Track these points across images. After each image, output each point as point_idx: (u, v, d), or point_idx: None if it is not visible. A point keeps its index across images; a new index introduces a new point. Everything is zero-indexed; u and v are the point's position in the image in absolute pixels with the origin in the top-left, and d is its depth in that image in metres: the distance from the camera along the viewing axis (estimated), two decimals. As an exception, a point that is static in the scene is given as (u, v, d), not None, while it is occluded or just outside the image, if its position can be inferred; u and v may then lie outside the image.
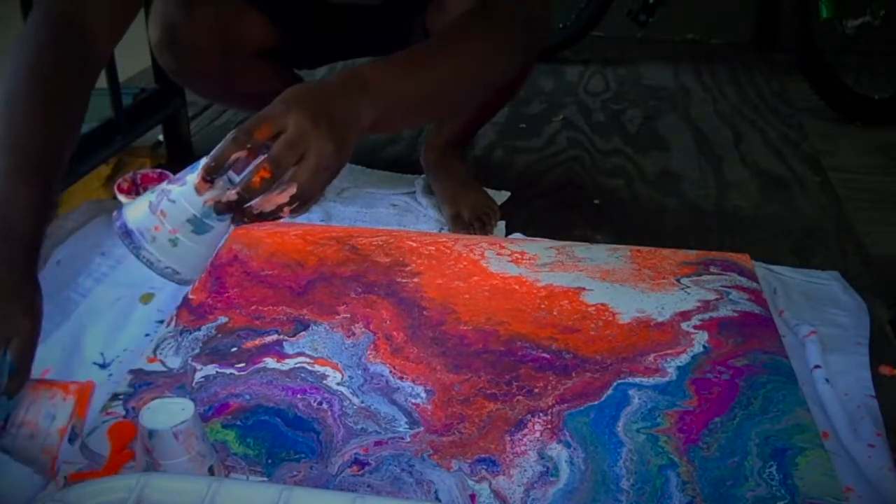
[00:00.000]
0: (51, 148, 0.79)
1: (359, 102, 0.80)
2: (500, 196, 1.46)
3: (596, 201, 1.50)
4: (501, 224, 1.36)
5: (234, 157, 0.73)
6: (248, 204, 0.74)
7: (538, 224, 1.37)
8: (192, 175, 0.74)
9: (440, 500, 0.79)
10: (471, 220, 1.33)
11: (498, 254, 1.22)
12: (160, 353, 0.99)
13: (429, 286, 1.13)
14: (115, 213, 0.76)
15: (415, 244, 1.24)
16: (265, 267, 1.17)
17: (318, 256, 1.20)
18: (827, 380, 0.96)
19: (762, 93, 2.15)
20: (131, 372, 0.96)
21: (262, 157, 0.73)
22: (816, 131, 1.88)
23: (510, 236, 1.32)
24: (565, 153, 1.72)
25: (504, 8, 0.95)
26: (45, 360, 0.97)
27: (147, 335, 1.04)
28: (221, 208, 0.73)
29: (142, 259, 0.75)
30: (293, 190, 0.74)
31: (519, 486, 0.81)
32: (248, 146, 0.73)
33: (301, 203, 0.75)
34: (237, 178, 0.74)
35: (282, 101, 0.76)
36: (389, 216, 1.39)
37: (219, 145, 0.73)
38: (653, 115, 1.97)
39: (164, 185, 0.76)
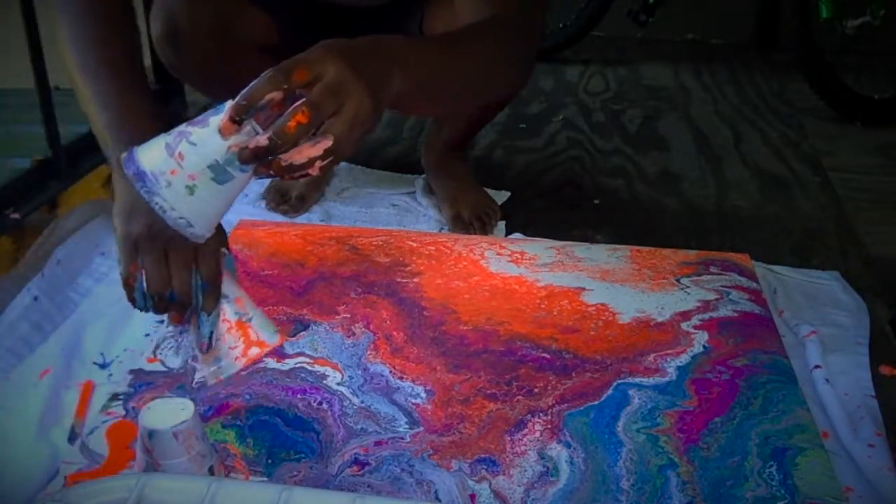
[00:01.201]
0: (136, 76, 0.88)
1: (391, 68, 0.76)
2: (500, 196, 1.46)
3: (596, 201, 1.50)
4: (501, 224, 1.36)
5: (267, 97, 0.67)
6: (277, 155, 0.67)
7: (538, 224, 1.37)
8: (217, 117, 0.67)
9: (440, 500, 0.79)
10: (471, 220, 1.33)
11: (498, 254, 1.22)
12: (160, 353, 0.99)
13: (429, 286, 1.13)
14: (124, 155, 0.69)
15: (415, 244, 1.24)
16: (265, 267, 1.17)
17: (318, 256, 1.20)
18: (827, 380, 0.96)
19: (762, 93, 2.15)
20: (131, 372, 0.96)
21: (297, 104, 0.66)
22: (816, 131, 1.88)
23: (510, 236, 1.32)
24: (565, 153, 1.72)
25: (515, 20, 0.94)
26: (46, 360, 0.97)
27: (147, 335, 1.04)
28: (247, 156, 0.67)
29: (154, 206, 0.68)
30: (328, 143, 0.68)
31: (519, 486, 0.81)
32: (285, 87, 0.67)
33: (334, 159, 0.69)
34: (260, 130, 0.67)
35: (322, 47, 0.71)
36: (389, 216, 1.39)
37: (251, 84, 0.67)
38: (653, 115, 1.98)
39: (183, 126, 0.68)
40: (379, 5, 1.17)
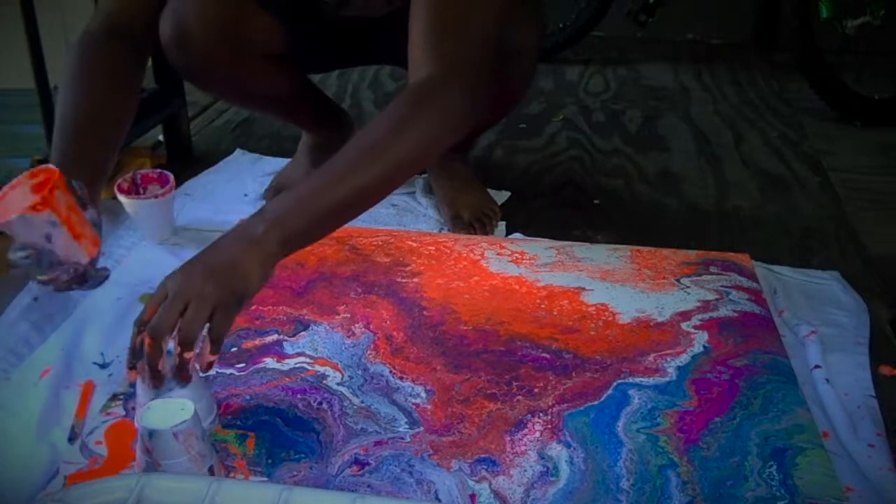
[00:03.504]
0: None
1: (256, 231, 0.82)
2: (501, 196, 1.46)
3: (596, 201, 1.50)
4: (501, 224, 1.36)
5: (138, 341, 0.77)
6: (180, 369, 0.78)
7: (538, 224, 1.37)
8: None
9: (440, 500, 0.79)
10: (471, 220, 1.33)
11: (498, 254, 1.22)
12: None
13: (429, 286, 1.13)
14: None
15: (415, 244, 1.24)
16: (265, 267, 1.17)
17: (318, 256, 1.20)
18: (827, 380, 0.96)
19: (762, 93, 2.15)
20: (131, 372, 0.96)
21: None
22: (816, 131, 1.88)
23: (510, 236, 1.32)
24: (565, 153, 1.72)
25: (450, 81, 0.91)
26: (46, 360, 0.97)
27: (147, 335, 1.04)
28: (156, 384, 0.78)
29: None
30: (207, 343, 0.78)
31: (519, 486, 0.81)
32: (142, 328, 0.77)
33: (214, 343, 0.78)
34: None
35: (163, 279, 0.80)
36: (389, 216, 1.39)
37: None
38: (653, 115, 1.97)
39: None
40: (381, 16, 1.17)
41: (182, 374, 0.78)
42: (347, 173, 0.86)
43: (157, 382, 0.78)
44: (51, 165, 0.87)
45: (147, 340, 0.76)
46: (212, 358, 0.78)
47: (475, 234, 1.31)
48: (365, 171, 0.86)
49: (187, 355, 0.77)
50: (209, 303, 0.77)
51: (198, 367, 0.80)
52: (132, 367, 0.79)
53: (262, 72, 1.28)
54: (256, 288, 0.82)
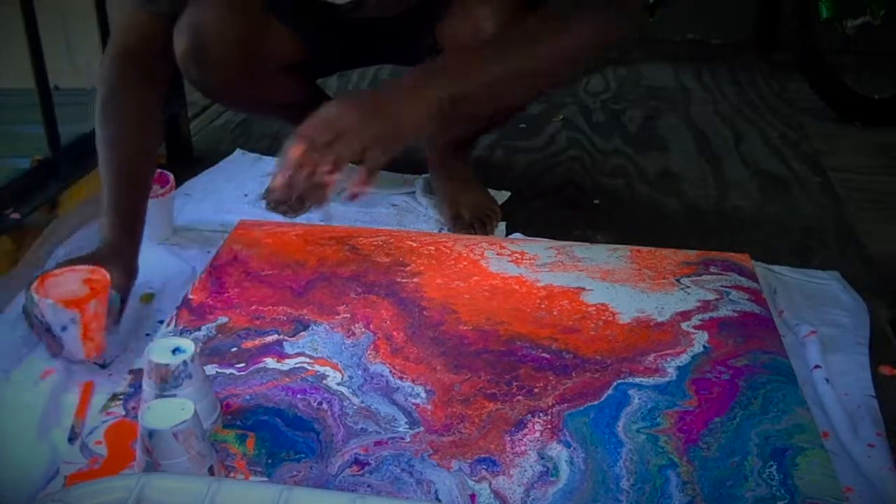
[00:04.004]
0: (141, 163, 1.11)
1: (426, 81, 0.87)
2: (501, 196, 1.46)
3: (596, 201, 1.50)
4: (501, 224, 1.36)
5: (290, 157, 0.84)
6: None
7: (538, 224, 1.37)
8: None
9: (440, 500, 0.79)
10: (471, 220, 1.33)
11: (498, 254, 1.22)
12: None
13: (429, 286, 1.13)
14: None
15: (415, 244, 1.24)
16: (265, 267, 1.17)
17: (318, 256, 1.20)
18: (827, 380, 0.96)
19: (762, 93, 2.15)
20: (131, 372, 0.96)
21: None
22: (816, 131, 1.88)
23: (510, 236, 1.32)
24: (565, 153, 1.72)
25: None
26: (46, 361, 0.97)
27: (147, 335, 1.04)
28: (296, 207, 0.90)
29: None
30: (350, 171, 0.82)
31: (519, 486, 0.81)
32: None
33: (368, 173, 0.83)
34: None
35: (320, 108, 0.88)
36: (389, 216, 1.39)
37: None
38: (653, 115, 1.97)
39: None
40: (391, 17, 1.18)
41: (318, 195, 0.82)
42: (516, 51, 0.95)
43: (298, 205, 0.87)
44: (105, 273, 0.97)
45: (297, 153, 0.80)
46: (362, 188, 0.82)
47: (475, 233, 1.31)
48: (531, 52, 0.96)
49: (329, 178, 0.80)
50: (361, 139, 0.82)
51: (345, 193, 0.84)
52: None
53: (276, 82, 1.29)
54: (414, 128, 0.87)
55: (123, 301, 1.01)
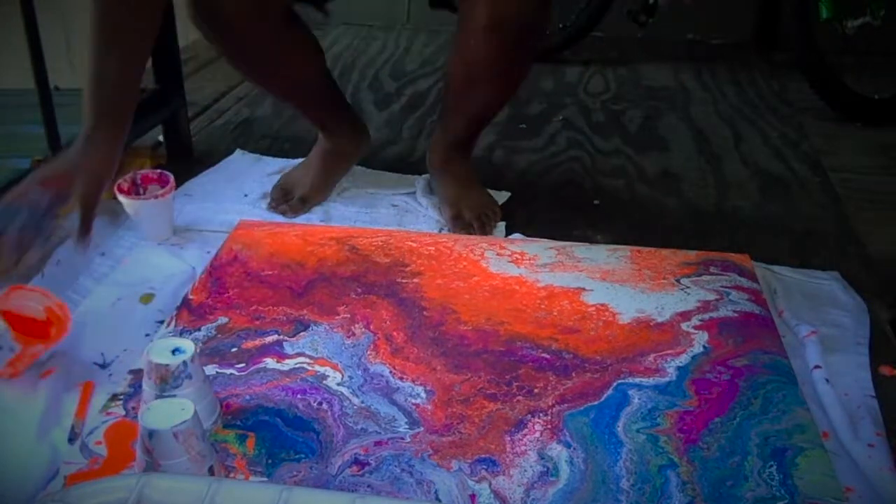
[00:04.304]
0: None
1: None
2: (500, 196, 1.46)
3: (596, 201, 1.50)
4: (501, 224, 1.36)
5: None
6: None
7: (538, 224, 1.37)
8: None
9: (440, 500, 0.79)
10: (471, 220, 1.33)
11: (498, 254, 1.22)
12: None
13: (429, 286, 1.13)
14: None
15: (415, 244, 1.24)
16: (265, 267, 1.17)
17: (318, 256, 1.20)
18: (827, 380, 0.96)
19: (762, 93, 2.15)
20: (131, 372, 0.96)
21: None
22: (816, 131, 1.88)
23: (510, 236, 1.32)
24: (565, 153, 1.72)
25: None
26: (46, 361, 0.97)
27: (147, 335, 1.04)
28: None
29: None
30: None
31: (519, 486, 0.81)
32: None
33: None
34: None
35: None
36: (389, 216, 1.39)
37: None
38: (653, 115, 1.97)
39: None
40: None
41: None
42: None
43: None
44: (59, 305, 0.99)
45: None
46: None
47: (475, 233, 1.31)
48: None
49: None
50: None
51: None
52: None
53: (287, 44, 1.30)
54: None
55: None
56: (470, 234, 1.31)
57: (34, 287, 0.99)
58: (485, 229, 1.32)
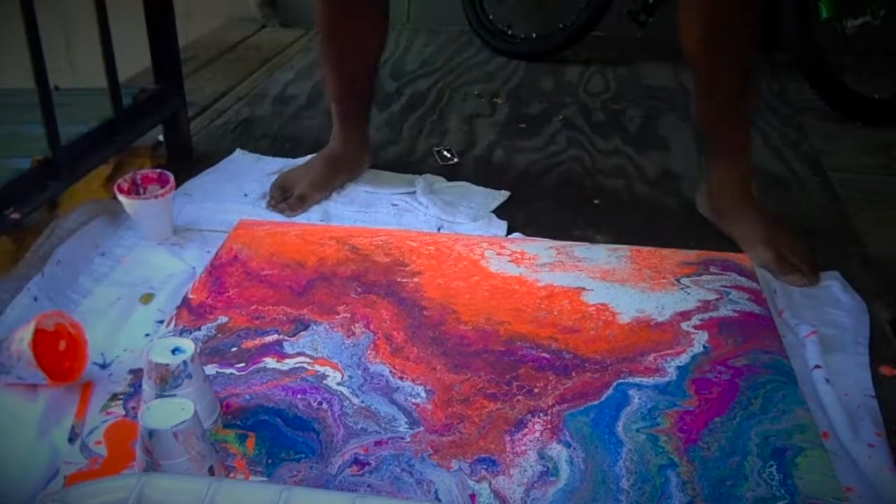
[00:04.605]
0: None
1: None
2: (500, 196, 1.46)
3: (596, 201, 1.50)
4: (502, 224, 1.36)
5: None
6: None
7: (538, 224, 1.37)
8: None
9: (440, 500, 0.79)
10: (795, 263, 1.21)
11: (498, 254, 1.22)
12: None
13: (429, 286, 1.13)
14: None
15: (415, 244, 1.24)
16: (265, 267, 1.17)
17: (318, 256, 1.20)
18: (827, 380, 0.96)
19: (762, 93, 2.14)
20: (131, 372, 0.96)
21: None
22: (816, 131, 1.88)
23: (510, 236, 1.32)
24: (565, 153, 1.72)
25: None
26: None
27: (147, 335, 1.04)
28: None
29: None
30: None
31: (519, 485, 0.81)
32: None
33: None
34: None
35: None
36: (389, 216, 1.39)
37: None
38: (653, 115, 1.97)
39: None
40: None
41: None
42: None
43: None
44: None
45: None
46: None
47: (804, 276, 1.19)
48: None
49: None
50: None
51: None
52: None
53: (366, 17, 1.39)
54: None
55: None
56: (795, 276, 1.20)
57: (51, 312, 0.97)
58: (815, 270, 1.21)
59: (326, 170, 1.44)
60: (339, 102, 1.47)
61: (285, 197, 1.39)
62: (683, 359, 0.99)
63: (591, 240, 1.33)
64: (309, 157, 1.53)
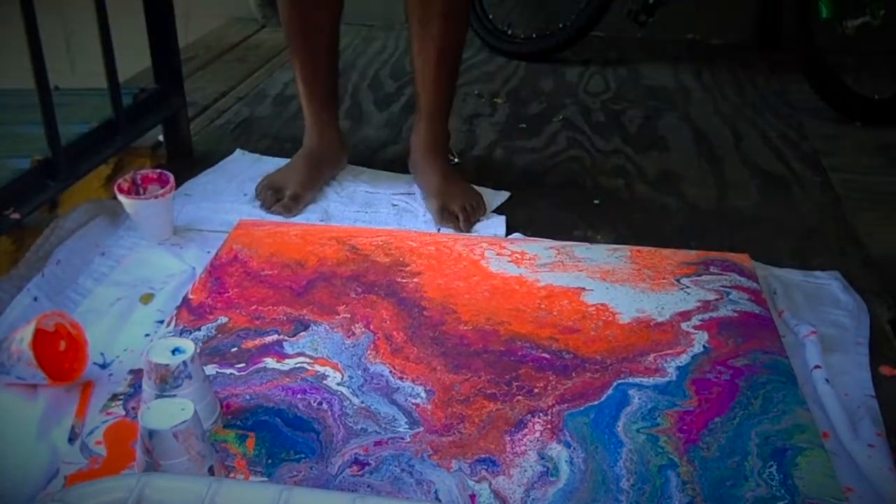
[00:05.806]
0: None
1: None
2: (500, 196, 1.46)
3: (596, 201, 1.50)
4: (502, 223, 1.36)
5: None
6: None
7: (538, 224, 1.37)
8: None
9: (440, 500, 0.79)
10: (456, 212, 1.35)
11: (498, 254, 1.22)
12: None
13: (429, 286, 1.13)
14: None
15: (415, 244, 1.24)
16: (265, 267, 1.17)
17: (318, 256, 1.20)
18: (827, 380, 0.96)
19: (762, 93, 2.15)
20: (131, 372, 0.96)
21: None
22: (816, 131, 1.88)
23: (510, 236, 1.32)
24: (565, 153, 1.72)
25: None
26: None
27: (147, 335, 1.04)
28: None
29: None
30: None
31: (519, 486, 0.81)
32: None
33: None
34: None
35: None
36: (389, 216, 1.39)
37: None
38: (653, 115, 1.97)
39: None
40: None
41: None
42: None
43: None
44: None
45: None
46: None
47: (461, 224, 1.33)
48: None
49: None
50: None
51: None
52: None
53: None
54: None
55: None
56: (456, 225, 1.33)
57: (51, 312, 0.97)
58: (470, 220, 1.35)
59: (310, 167, 1.44)
60: (306, 84, 1.47)
61: (278, 198, 1.39)
62: (683, 359, 0.99)
63: (591, 240, 1.33)
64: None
